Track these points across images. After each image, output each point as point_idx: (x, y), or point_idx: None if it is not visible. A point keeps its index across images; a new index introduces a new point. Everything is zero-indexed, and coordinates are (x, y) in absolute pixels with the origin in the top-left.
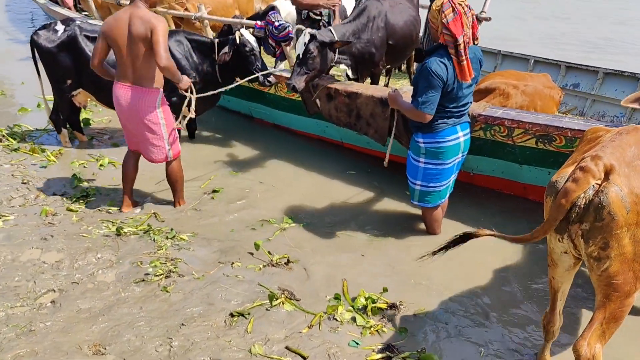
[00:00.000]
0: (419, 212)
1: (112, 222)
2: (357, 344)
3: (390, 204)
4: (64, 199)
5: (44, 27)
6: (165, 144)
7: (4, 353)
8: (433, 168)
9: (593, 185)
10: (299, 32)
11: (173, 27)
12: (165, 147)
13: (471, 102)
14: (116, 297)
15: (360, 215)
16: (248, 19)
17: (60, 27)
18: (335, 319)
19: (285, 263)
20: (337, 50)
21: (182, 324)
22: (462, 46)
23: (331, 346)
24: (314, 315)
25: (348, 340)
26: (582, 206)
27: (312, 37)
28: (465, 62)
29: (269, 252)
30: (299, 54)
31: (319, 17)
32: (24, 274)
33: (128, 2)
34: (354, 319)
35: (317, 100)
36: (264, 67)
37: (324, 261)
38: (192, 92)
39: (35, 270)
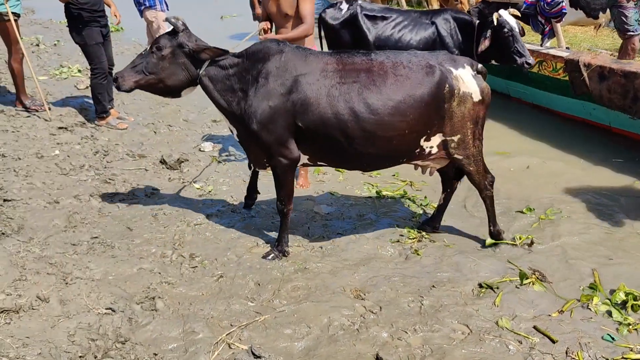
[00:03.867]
0: None
1: (373, 185)
2: (613, 339)
3: None
4: None
5: (331, 5)
6: None
7: (285, 283)
8: None
9: None
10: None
11: (436, 7)
12: None
13: None
14: (374, 252)
15: (627, 207)
16: None
17: (344, 6)
18: (589, 309)
19: (528, 245)
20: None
21: (433, 286)
22: None
23: (583, 335)
24: (566, 301)
25: (602, 333)
26: None
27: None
28: None
29: (513, 238)
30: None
31: None
32: (300, 220)
33: None
34: (609, 313)
35: (587, 80)
36: (523, 49)
37: (579, 248)
38: None
39: (309, 218)
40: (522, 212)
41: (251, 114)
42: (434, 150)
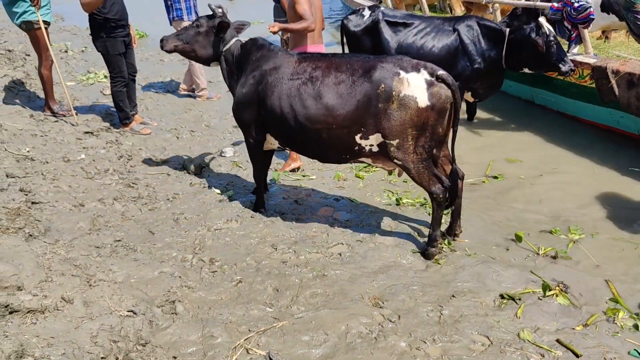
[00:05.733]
0: None
1: (393, 192)
2: (639, 354)
3: None
4: (354, 166)
5: (353, 12)
6: None
7: (304, 289)
8: None
9: None
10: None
11: (459, 13)
12: None
13: None
14: (394, 260)
15: None
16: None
17: (366, 13)
18: (615, 323)
19: (552, 256)
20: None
21: (453, 296)
22: None
23: (608, 350)
24: (591, 314)
25: (628, 348)
26: None
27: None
28: None
29: (537, 247)
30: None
31: None
32: (318, 227)
33: None
34: (636, 327)
35: (615, 88)
36: (563, 55)
37: (604, 261)
38: None
39: (328, 224)
40: (551, 232)
41: (234, 96)
42: (375, 149)
